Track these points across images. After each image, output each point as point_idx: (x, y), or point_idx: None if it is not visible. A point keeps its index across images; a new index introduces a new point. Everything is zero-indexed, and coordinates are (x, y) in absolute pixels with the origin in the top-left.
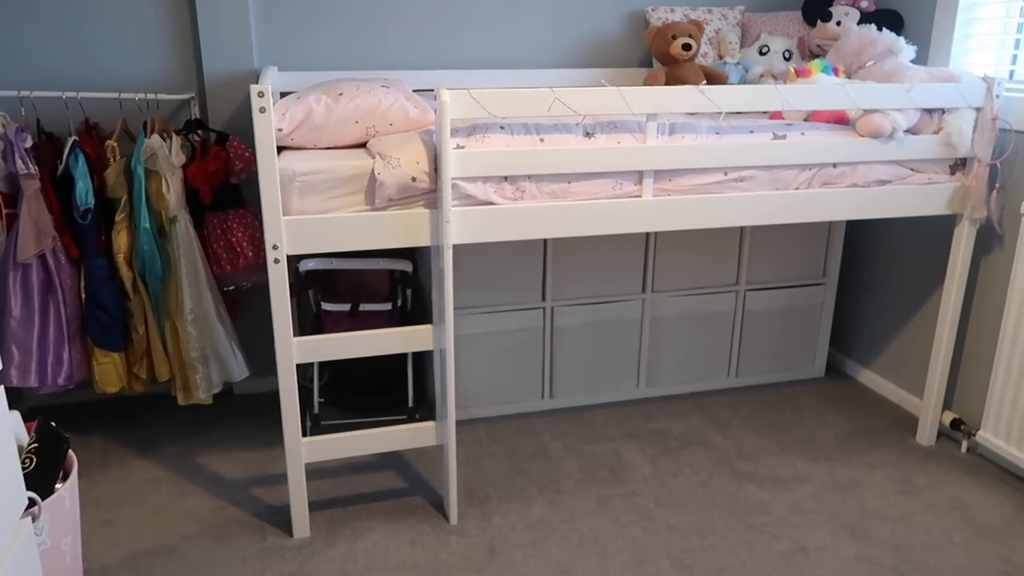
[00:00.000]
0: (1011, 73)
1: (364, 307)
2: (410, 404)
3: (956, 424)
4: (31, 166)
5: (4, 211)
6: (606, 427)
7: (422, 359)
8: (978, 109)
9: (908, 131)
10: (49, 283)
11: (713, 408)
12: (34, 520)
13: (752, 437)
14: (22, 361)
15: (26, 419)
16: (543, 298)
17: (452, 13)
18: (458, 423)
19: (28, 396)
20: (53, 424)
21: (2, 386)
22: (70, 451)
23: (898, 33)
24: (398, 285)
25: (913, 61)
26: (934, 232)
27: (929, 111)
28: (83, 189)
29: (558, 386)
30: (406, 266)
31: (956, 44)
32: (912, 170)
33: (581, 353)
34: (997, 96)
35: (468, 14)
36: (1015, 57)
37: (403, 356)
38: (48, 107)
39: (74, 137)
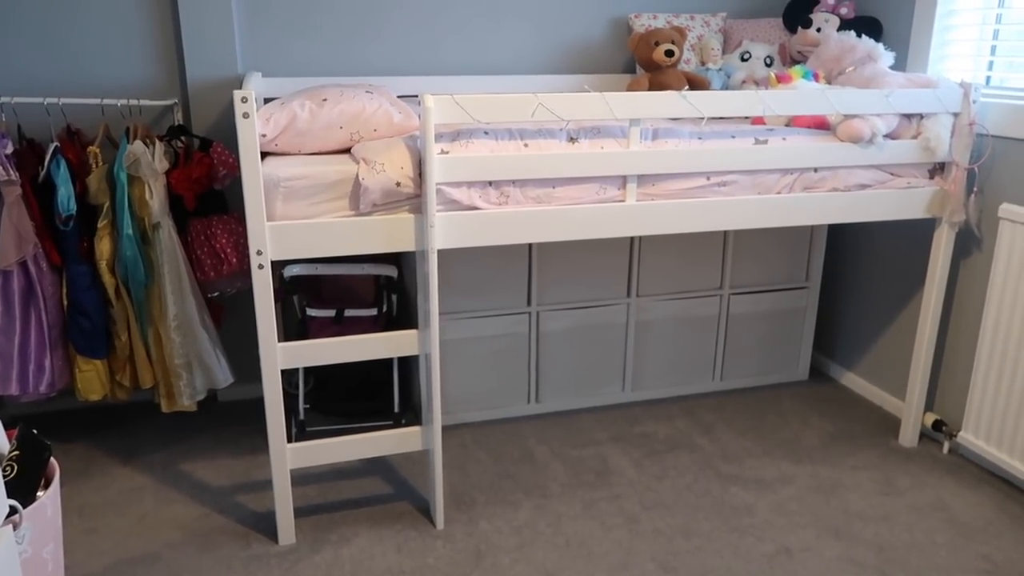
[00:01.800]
0: (987, 79)
1: (349, 313)
2: (396, 409)
3: (938, 425)
4: (12, 172)
5: None
6: (592, 431)
7: (407, 364)
8: (956, 114)
9: (887, 136)
10: (30, 290)
11: (698, 411)
12: (15, 528)
13: (736, 440)
14: (3, 369)
15: (7, 427)
16: (528, 303)
17: (436, 19)
18: (444, 428)
19: (9, 404)
20: (35, 431)
21: None
22: (52, 459)
23: (877, 40)
24: (383, 290)
25: (892, 67)
26: (914, 236)
27: (908, 116)
28: (65, 195)
29: (544, 390)
30: (391, 271)
31: (934, 50)
32: (892, 174)
33: (566, 357)
34: (974, 101)
35: (452, 20)
36: (991, 63)
37: (388, 361)
38: (29, 113)
39: (56, 143)
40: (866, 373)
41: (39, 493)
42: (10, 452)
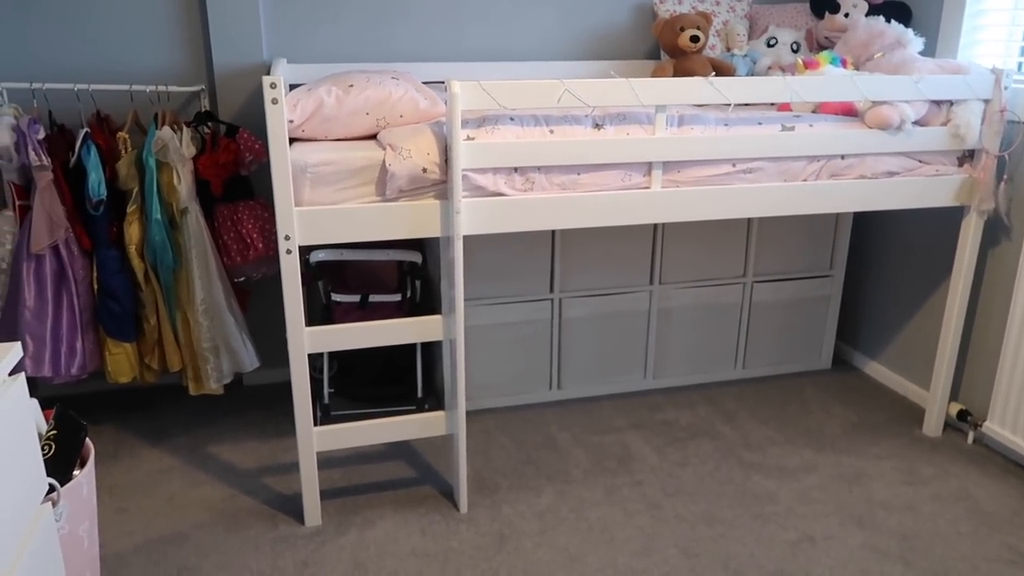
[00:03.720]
0: (1019, 65)
1: (374, 298)
2: (419, 395)
3: (963, 415)
4: (44, 158)
5: (17, 202)
6: (614, 418)
7: (431, 350)
8: (986, 101)
9: (916, 123)
10: (62, 274)
11: (720, 399)
12: (54, 505)
13: (759, 428)
14: (36, 351)
15: (43, 408)
16: (551, 289)
17: (460, 5)
18: (467, 413)
19: (41, 386)
20: (70, 411)
21: (23, 374)
22: (87, 438)
23: (906, 25)
24: (407, 276)
25: (921, 53)
26: (942, 224)
27: (937, 103)
28: (95, 180)
29: (566, 377)
30: (415, 257)
31: (964, 36)
32: (920, 162)
33: (589, 344)
34: (1005, 88)
35: (476, 6)
36: (1023, 49)
37: (412, 347)
38: (60, 99)
39: (86, 129)
40: (890, 362)
41: (75, 472)
42: (48, 431)
